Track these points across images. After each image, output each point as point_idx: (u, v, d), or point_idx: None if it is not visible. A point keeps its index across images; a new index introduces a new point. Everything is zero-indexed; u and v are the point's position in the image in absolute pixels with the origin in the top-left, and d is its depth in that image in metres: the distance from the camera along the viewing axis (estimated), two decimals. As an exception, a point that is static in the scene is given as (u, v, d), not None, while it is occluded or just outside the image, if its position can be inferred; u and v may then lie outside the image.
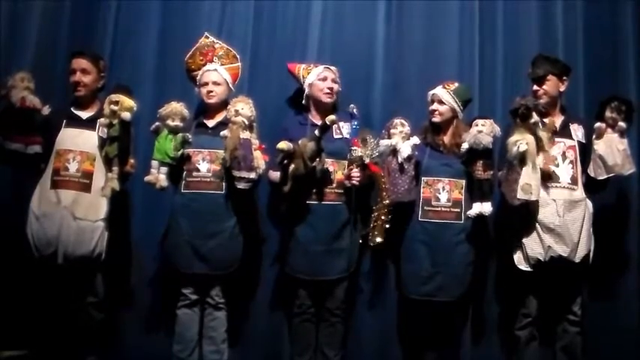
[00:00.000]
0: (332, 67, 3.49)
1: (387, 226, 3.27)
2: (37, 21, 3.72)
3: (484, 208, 3.19)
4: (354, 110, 3.43)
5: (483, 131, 3.18)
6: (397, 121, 3.35)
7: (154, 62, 3.81)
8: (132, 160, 3.33)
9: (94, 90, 3.37)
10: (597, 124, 3.21)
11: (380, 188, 3.30)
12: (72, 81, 3.31)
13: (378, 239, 3.27)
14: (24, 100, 3.18)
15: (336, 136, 3.40)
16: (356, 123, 3.40)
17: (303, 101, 3.52)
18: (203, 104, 3.47)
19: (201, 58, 3.45)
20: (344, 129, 3.42)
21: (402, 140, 3.30)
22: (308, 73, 3.47)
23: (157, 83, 3.76)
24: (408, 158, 3.28)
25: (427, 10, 3.88)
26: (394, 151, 3.30)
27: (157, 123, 3.28)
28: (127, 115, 3.17)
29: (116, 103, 3.17)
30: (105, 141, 3.22)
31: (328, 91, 3.43)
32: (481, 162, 3.19)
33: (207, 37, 3.50)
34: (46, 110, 3.25)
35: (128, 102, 3.19)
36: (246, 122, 3.25)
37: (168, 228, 3.38)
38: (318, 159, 3.23)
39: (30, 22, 3.70)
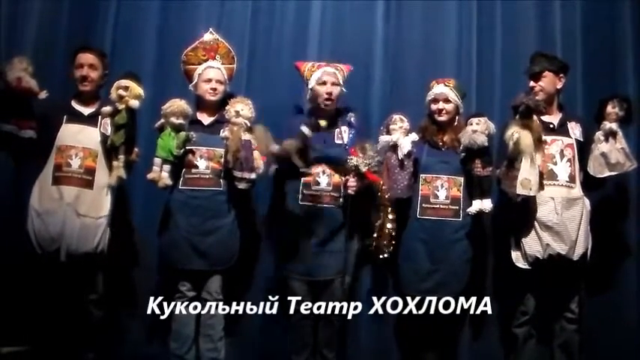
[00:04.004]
0: (331, 69, 3.39)
1: (394, 233, 3.28)
2: (36, 20, 3.71)
3: (484, 205, 3.20)
4: (352, 119, 3.38)
5: (478, 130, 3.19)
6: (396, 116, 3.36)
7: (153, 60, 3.82)
8: (136, 149, 3.33)
9: (98, 86, 3.37)
10: (608, 126, 3.20)
11: (379, 197, 3.28)
12: (79, 75, 3.29)
13: (385, 255, 3.27)
14: (20, 80, 3.13)
15: (337, 141, 3.38)
16: (353, 132, 3.36)
17: (307, 104, 3.48)
18: (198, 100, 3.45)
19: (203, 53, 3.42)
20: (345, 134, 3.39)
21: (402, 136, 3.30)
22: (311, 75, 3.41)
23: (156, 81, 3.75)
24: (408, 154, 3.28)
25: (425, 9, 3.90)
26: (394, 147, 3.30)
27: (161, 120, 3.27)
28: (135, 104, 3.17)
29: (125, 88, 3.16)
30: (107, 136, 3.21)
31: (327, 96, 3.35)
32: (479, 160, 3.19)
33: (211, 33, 3.47)
34: (43, 95, 3.22)
35: (137, 89, 3.19)
36: (248, 124, 3.25)
37: (164, 224, 3.36)
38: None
39: (29, 21, 3.69)
